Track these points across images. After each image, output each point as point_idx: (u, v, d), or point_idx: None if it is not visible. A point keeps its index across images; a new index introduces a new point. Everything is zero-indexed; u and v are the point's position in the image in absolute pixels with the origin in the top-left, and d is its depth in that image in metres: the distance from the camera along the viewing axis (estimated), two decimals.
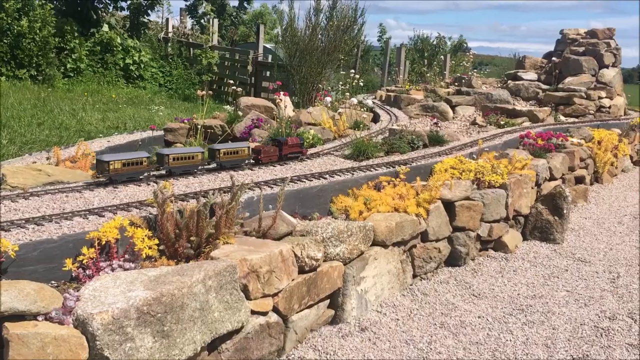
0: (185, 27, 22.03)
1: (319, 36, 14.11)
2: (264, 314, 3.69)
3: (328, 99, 8.55)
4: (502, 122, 10.44)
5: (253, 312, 3.59)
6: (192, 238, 3.69)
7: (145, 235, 3.54)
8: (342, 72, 15.15)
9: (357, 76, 12.31)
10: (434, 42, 24.98)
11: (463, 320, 4.63)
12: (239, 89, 8.87)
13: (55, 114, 10.01)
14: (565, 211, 6.84)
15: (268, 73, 16.62)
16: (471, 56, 18.83)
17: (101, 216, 3.79)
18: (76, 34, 15.87)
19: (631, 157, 11.76)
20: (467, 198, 5.88)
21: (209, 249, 3.75)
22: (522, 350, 4.19)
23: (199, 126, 7.67)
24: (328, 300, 4.41)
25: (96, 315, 2.71)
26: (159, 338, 2.90)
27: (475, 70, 19.45)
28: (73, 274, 3.29)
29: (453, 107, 12.14)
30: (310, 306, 4.15)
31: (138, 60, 17.03)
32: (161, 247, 3.66)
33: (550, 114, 11.80)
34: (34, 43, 14.13)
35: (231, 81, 9.48)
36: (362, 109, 9.84)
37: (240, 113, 8.27)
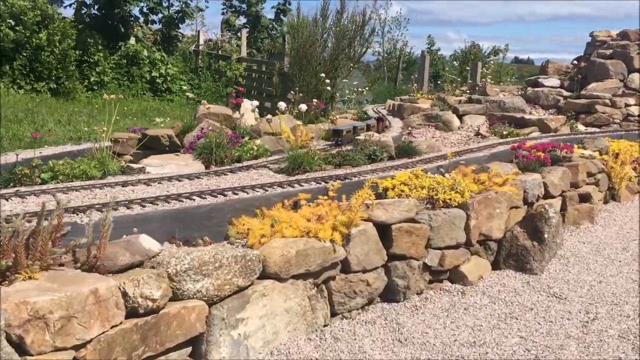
0: (225, 41, 21.84)
1: (328, 43, 13.46)
2: None
3: (282, 104, 7.65)
4: (505, 132, 9.34)
5: None
6: None
7: None
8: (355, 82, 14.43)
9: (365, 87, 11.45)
10: (467, 51, 23.94)
11: None
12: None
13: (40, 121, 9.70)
14: (546, 235, 5.76)
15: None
16: (492, 64, 17.56)
17: None
18: (100, 47, 15.65)
19: None
20: (411, 220, 4.91)
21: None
22: None
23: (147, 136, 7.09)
24: (190, 348, 3.56)
25: None
26: None
27: (510, 80, 18.32)
28: None
29: (460, 116, 11.13)
30: (152, 358, 3.32)
31: (165, 73, 16.77)
32: None
33: (566, 123, 10.56)
34: (53, 56, 13.90)
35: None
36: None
37: (195, 122, 7.55)
